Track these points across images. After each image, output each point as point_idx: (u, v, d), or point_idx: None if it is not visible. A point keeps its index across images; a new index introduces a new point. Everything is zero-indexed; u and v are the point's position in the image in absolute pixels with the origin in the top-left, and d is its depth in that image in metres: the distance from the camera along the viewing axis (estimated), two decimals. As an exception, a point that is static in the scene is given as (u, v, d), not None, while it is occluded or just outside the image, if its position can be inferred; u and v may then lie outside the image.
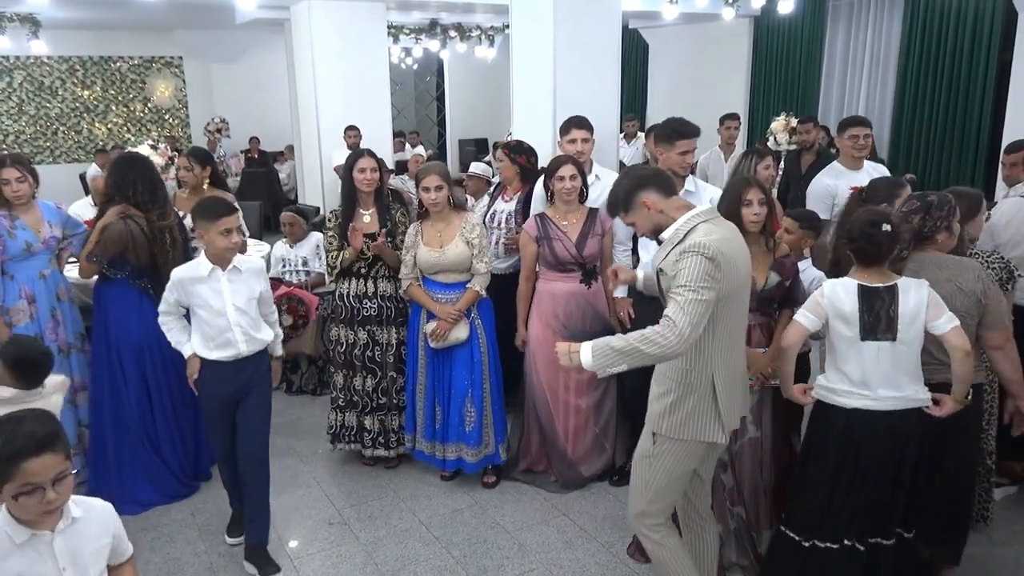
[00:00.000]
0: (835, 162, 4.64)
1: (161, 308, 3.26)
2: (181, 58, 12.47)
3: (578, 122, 4.14)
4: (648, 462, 2.60)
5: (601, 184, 4.11)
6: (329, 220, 4.05)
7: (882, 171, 4.56)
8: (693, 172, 6.56)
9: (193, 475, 4.06)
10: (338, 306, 4.05)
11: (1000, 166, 4.27)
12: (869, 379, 2.65)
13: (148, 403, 3.88)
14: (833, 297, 2.69)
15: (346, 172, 3.95)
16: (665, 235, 2.50)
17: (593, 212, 3.82)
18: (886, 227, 2.63)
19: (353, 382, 4.05)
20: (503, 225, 4.41)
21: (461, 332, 3.75)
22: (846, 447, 2.72)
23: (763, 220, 3.04)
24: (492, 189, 4.98)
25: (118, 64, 12.12)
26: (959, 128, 8.21)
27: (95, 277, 3.90)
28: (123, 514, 3.75)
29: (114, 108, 12.20)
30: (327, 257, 4.05)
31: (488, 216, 4.47)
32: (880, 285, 2.65)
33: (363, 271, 3.96)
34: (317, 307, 4.99)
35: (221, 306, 3.12)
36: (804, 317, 2.75)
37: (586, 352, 2.36)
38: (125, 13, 9.80)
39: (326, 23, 7.59)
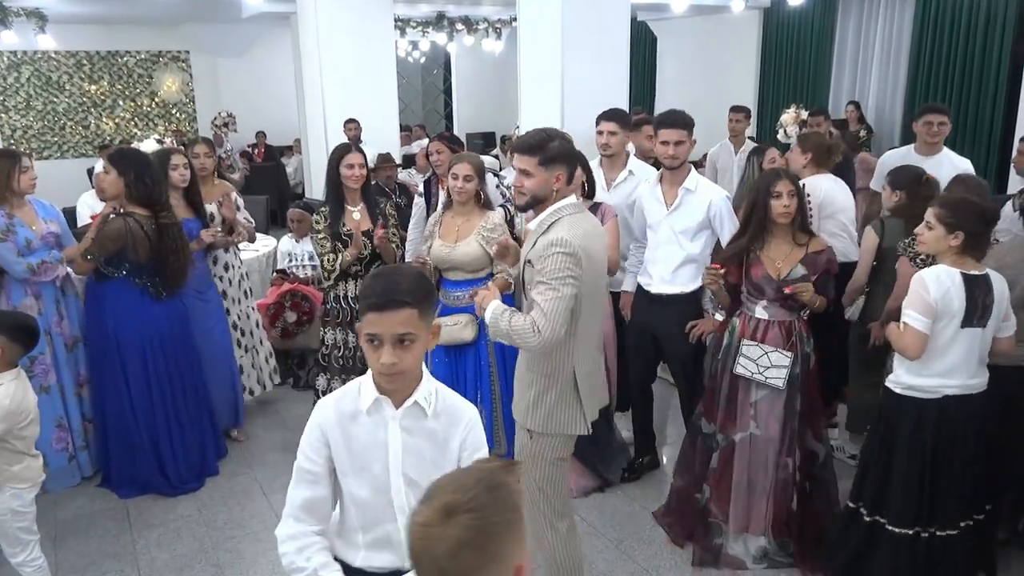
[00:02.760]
0: (911, 146, 4.69)
1: (292, 511, 1.80)
2: (188, 52, 12.44)
3: (610, 115, 4.00)
4: (532, 461, 2.64)
5: (635, 179, 3.99)
6: (317, 222, 3.88)
7: (960, 166, 4.39)
8: (702, 165, 6.56)
9: (199, 472, 4.05)
10: (333, 308, 3.95)
11: (1016, 153, 4.25)
12: (961, 367, 2.72)
13: (149, 400, 3.85)
14: (941, 294, 2.65)
15: (331, 168, 3.79)
16: (532, 224, 2.54)
17: (594, 207, 3.70)
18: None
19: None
20: None
21: (467, 333, 3.63)
22: (940, 435, 2.77)
23: (793, 212, 3.05)
24: (424, 181, 4.93)
25: (125, 59, 12.11)
26: (971, 120, 8.12)
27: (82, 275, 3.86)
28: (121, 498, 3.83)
29: (121, 103, 12.19)
30: (322, 261, 3.87)
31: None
32: (978, 273, 2.72)
33: (360, 273, 3.85)
34: (324, 302, 4.97)
35: (382, 471, 1.74)
36: (918, 321, 2.68)
37: (489, 312, 2.50)
38: (132, 7, 9.77)
39: (333, 17, 7.55)
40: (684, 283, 3.60)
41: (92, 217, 5.30)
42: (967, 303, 2.66)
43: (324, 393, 3.98)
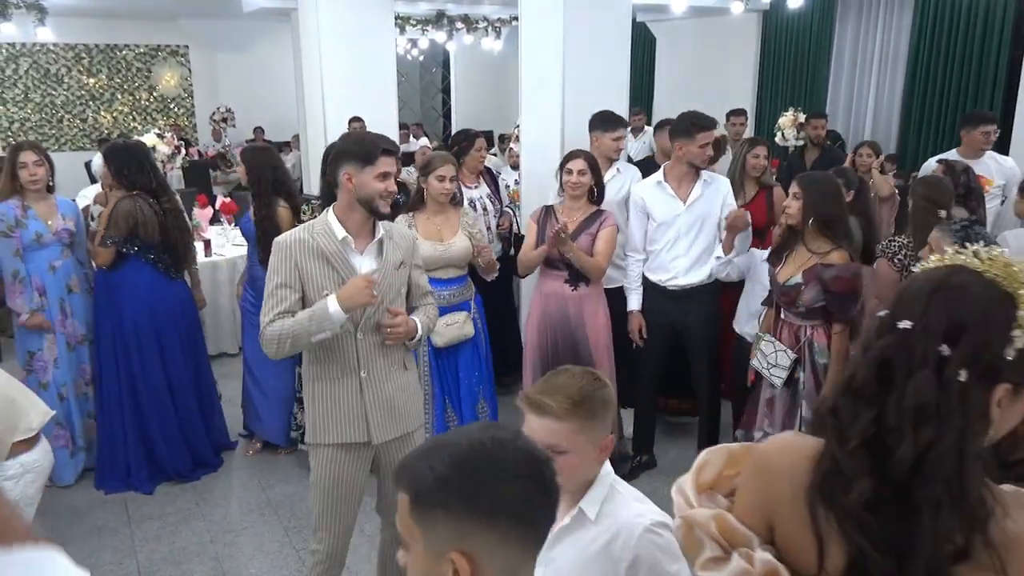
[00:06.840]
0: (955, 150, 4.87)
1: None
2: (187, 47, 12.41)
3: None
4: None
5: (621, 178, 4.12)
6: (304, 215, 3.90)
7: (1008, 165, 4.72)
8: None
9: (198, 462, 4.09)
10: None
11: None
12: None
13: (154, 385, 3.90)
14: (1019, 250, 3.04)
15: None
16: (382, 236, 2.50)
17: (596, 213, 3.67)
18: None
19: None
20: (488, 209, 4.47)
21: (468, 329, 3.66)
22: None
23: (795, 214, 3.07)
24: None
25: (124, 52, 12.08)
26: (968, 125, 8.18)
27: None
28: (125, 491, 3.84)
29: (119, 96, 12.16)
30: None
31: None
32: None
33: None
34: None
35: None
36: None
37: (422, 328, 2.57)
38: (131, 1, 9.75)
39: (333, 13, 7.56)
40: (705, 272, 3.73)
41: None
42: None
43: None
